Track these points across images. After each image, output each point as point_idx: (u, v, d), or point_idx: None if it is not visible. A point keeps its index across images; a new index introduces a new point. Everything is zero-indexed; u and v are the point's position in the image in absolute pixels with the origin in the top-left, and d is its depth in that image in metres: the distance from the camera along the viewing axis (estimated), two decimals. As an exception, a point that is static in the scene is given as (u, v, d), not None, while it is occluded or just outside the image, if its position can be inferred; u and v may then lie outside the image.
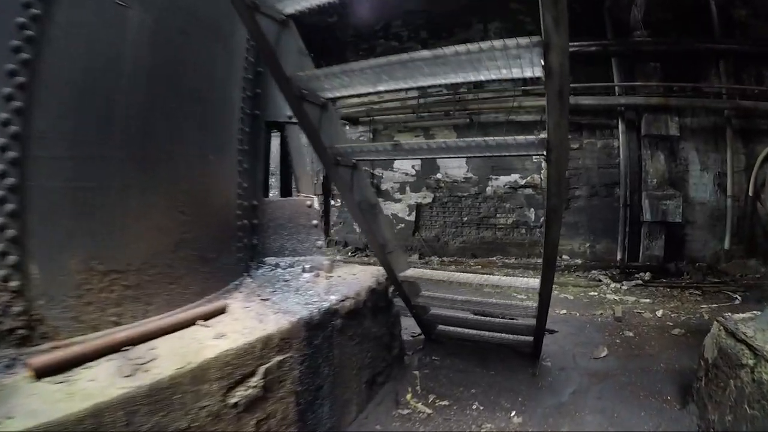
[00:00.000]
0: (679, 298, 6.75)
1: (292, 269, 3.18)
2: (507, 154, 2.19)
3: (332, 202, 10.85)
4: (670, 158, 8.83)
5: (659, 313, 5.85)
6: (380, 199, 9.71)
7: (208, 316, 2.35)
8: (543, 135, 1.94)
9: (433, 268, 8.61)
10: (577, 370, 3.88)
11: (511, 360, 3.88)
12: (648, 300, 6.55)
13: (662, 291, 7.13)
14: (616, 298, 6.66)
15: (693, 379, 3.22)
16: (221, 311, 2.44)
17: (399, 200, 9.85)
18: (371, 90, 2.02)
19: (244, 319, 2.32)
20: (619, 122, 8.64)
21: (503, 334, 3.81)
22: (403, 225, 9.72)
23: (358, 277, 3.05)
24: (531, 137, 1.94)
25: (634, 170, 8.69)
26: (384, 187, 10.02)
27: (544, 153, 2.01)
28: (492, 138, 1.96)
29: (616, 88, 8.60)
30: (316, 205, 3.21)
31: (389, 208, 9.94)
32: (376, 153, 2.25)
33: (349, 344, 2.70)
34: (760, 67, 9.01)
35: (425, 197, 9.54)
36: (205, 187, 2.68)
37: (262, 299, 2.60)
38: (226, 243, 2.93)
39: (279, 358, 2.19)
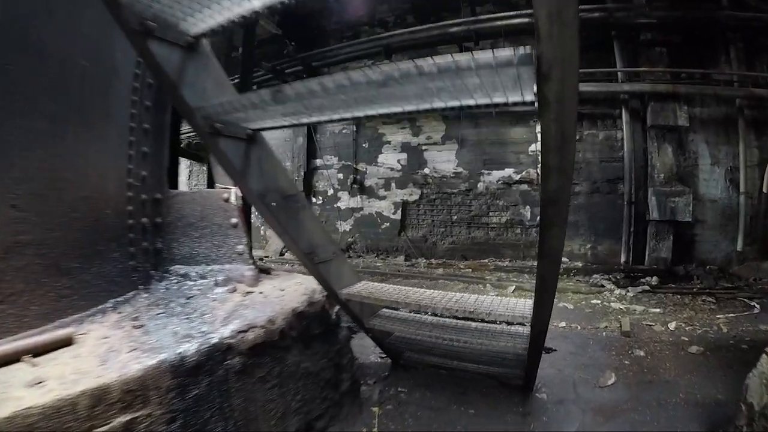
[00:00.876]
0: (691, 306, 5.97)
1: (204, 282, 2.42)
2: (470, 102, 1.37)
3: (313, 200, 10.09)
4: (679, 151, 8.11)
5: (672, 325, 5.09)
6: (364, 197, 8.99)
7: (42, 350, 1.64)
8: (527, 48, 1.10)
9: (419, 272, 7.86)
10: (579, 403, 3.13)
11: (496, 393, 3.12)
12: (658, 309, 5.79)
13: (672, 298, 6.39)
14: (622, 307, 5.91)
15: (722, 417, 2.51)
16: (66, 343, 1.71)
17: (384, 197, 9.09)
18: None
19: (87, 357, 1.59)
20: (623, 112, 7.90)
21: (487, 366, 3.04)
22: (388, 224, 8.95)
23: (284, 294, 2.29)
24: (506, 51, 1.13)
25: (639, 164, 7.95)
26: (368, 183, 9.25)
27: (533, 96, 1.22)
28: (431, 61, 1.13)
29: (619, 74, 7.85)
30: (234, 199, 2.45)
31: (373, 205, 9.20)
32: (253, 108, 1.46)
33: (262, 388, 1.94)
34: None
35: (412, 194, 8.76)
36: (58, 174, 1.94)
37: (134, 326, 1.85)
38: (105, 247, 2.18)
39: (125, 417, 1.45)
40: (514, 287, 6.84)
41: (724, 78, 8.10)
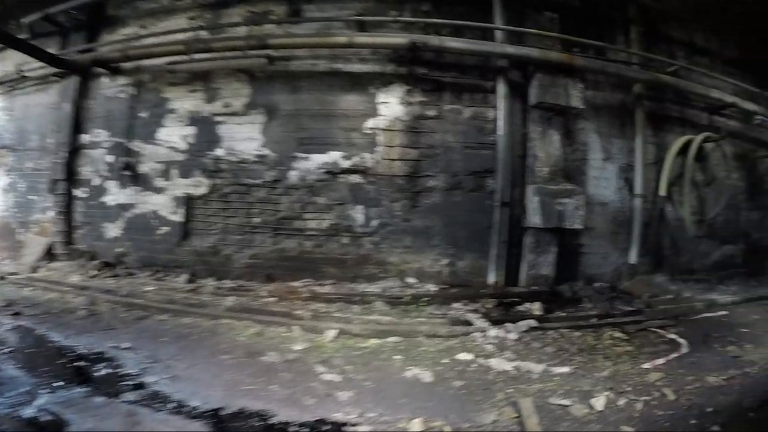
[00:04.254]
0: (602, 350, 4.27)
1: None
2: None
3: (76, 193, 6.87)
4: (566, 141, 6.23)
5: (598, 402, 3.07)
6: (138, 188, 6.06)
7: None
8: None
9: (202, 302, 5.06)
10: None
11: None
12: (564, 368, 3.68)
13: (571, 338, 4.55)
14: (509, 366, 3.66)
15: None
16: None
17: (162, 190, 6.10)
18: None
19: None
20: (499, 84, 5.83)
21: None
22: (167, 228, 5.97)
23: None
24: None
25: (517, 153, 5.93)
26: (143, 169, 6.25)
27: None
28: None
29: (498, 34, 5.73)
30: None
31: (149, 201, 6.19)
32: None
33: None
34: (672, 46, 7.55)
35: (198, 185, 5.85)
36: None
37: None
38: None
39: None
40: (337, 331, 4.30)
41: (624, 60, 6.73)
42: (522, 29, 5.77)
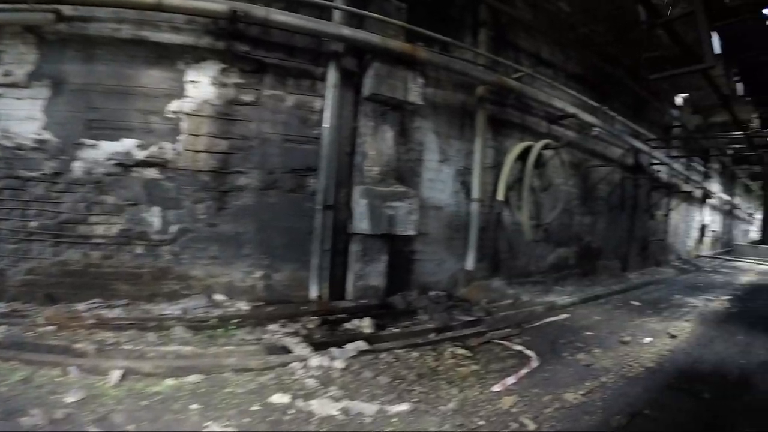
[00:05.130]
0: (444, 372, 3.91)
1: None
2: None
3: None
4: (401, 139, 6.08)
5: None
6: None
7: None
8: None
9: None
10: None
11: None
12: (402, 405, 3.19)
13: (407, 360, 4.13)
14: (335, 410, 3.05)
15: None
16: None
17: None
18: None
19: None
20: (330, 70, 5.31)
21: None
22: None
23: None
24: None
25: (345, 150, 5.56)
26: None
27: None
28: None
29: (336, 13, 5.25)
30: None
31: None
32: None
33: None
34: (519, 54, 7.70)
35: None
36: None
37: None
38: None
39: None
40: (122, 371, 3.56)
41: (471, 60, 6.49)
42: (364, 12, 5.18)
